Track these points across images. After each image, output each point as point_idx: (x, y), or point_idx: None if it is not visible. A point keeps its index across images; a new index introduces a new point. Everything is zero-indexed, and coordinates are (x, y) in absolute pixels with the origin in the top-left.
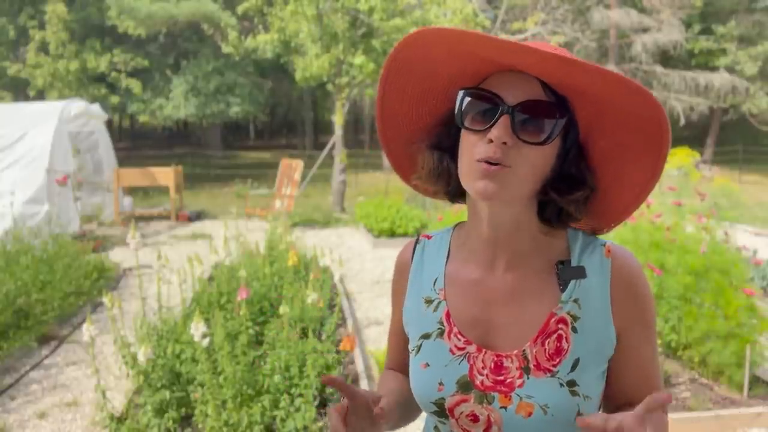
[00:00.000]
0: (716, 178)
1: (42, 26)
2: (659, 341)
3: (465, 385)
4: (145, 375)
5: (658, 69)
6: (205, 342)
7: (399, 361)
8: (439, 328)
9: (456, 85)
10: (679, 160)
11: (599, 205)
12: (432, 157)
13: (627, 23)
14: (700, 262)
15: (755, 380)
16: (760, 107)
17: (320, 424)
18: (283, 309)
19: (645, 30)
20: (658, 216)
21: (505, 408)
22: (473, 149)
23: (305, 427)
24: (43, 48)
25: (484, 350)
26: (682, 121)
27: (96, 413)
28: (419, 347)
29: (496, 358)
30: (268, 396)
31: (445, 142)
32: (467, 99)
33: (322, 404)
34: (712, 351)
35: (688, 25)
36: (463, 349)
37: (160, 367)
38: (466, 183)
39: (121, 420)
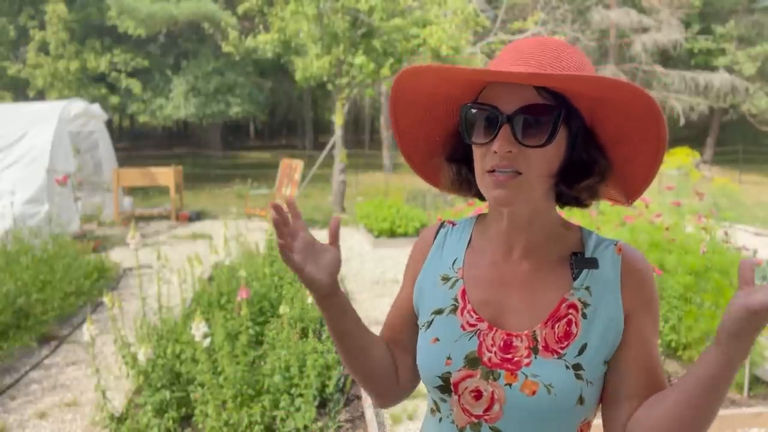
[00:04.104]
0: (716, 178)
1: (42, 26)
2: (659, 341)
3: (473, 361)
4: (145, 375)
5: (658, 69)
6: (206, 342)
7: (388, 334)
8: (453, 305)
9: (456, 100)
10: (679, 160)
11: (619, 179)
12: (450, 169)
13: (627, 23)
14: (700, 262)
15: (755, 380)
16: (759, 107)
17: (320, 424)
18: (283, 309)
19: (644, 30)
20: (657, 216)
21: (510, 385)
22: (482, 161)
23: (305, 427)
24: (43, 48)
25: (495, 329)
26: (682, 121)
27: (96, 413)
28: (430, 322)
29: (506, 337)
30: (268, 396)
31: (460, 152)
32: (468, 114)
33: (322, 404)
34: None
35: (687, 25)
36: (474, 326)
37: (160, 367)
38: (483, 192)
39: (121, 420)
